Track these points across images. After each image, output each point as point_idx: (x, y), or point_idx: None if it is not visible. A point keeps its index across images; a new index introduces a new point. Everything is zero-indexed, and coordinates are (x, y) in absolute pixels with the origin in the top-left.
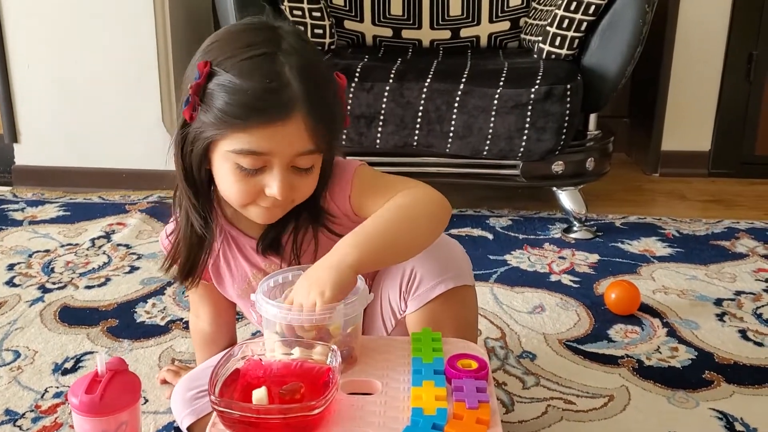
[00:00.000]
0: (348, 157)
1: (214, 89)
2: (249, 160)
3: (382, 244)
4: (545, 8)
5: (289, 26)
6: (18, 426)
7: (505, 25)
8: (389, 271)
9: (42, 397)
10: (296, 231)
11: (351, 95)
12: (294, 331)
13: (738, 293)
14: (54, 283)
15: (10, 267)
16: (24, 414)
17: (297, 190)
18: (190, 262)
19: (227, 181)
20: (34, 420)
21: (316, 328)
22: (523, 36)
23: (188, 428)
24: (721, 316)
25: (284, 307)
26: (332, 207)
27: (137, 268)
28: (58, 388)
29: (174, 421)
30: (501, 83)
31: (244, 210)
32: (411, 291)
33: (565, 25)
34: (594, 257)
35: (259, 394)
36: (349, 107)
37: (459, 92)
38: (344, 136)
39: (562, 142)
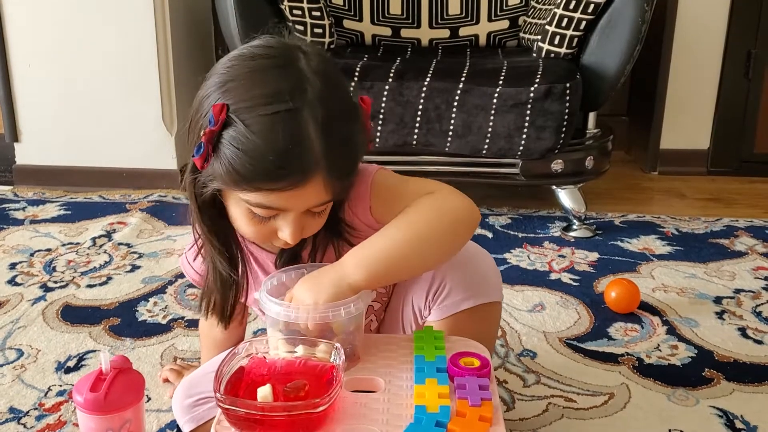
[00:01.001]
0: (367, 165)
1: (229, 142)
2: (262, 212)
3: (396, 264)
4: (544, 7)
5: (314, 54)
6: (22, 424)
7: (504, 24)
8: (415, 278)
9: (45, 395)
10: (314, 247)
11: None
12: (296, 329)
13: (737, 291)
14: (56, 282)
15: (12, 266)
16: (28, 412)
17: (311, 228)
18: (226, 303)
19: (241, 222)
20: (38, 418)
21: (319, 327)
22: (522, 35)
23: None
24: (720, 314)
25: (289, 306)
26: (354, 221)
27: (138, 267)
28: (61, 386)
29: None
30: (500, 82)
31: (263, 244)
32: (437, 300)
33: (564, 23)
34: (594, 255)
35: (264, 392)
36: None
37: (458, 91)
38: None
39: (561, 141)
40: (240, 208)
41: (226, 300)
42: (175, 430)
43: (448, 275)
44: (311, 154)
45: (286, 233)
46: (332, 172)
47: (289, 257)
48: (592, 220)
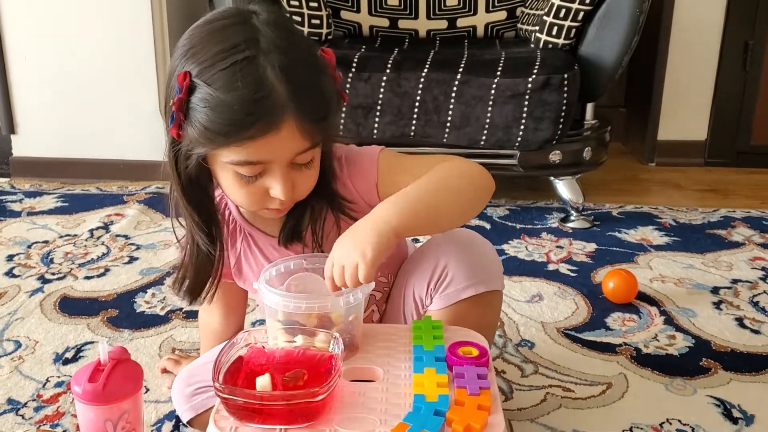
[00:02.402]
0: (371, 146)
1: (197, 104)
2: (247, 169)
3: (426, 212)
4: None
5: (265, 10)
6: (20, 415)
7: (502, 15)
8: (418, 263)
9: (44, 386)
10: (313, 219)
11: (348, 85)
12: (295, 319)
13: (734, 281)
14: (53, 274)
15: (10, 258)
16: (26, 403)
17: (301, 184)
18: (200, 280)
19: (232, 189)
20: (37, 409)
21: (318, 316)
22: (519, 26)
23: (188, 422)
24: (717, 304)
25: (288, 296)
26: (357, 198)
27: (136, 259)
28: (59, 377)
29: (175, 410)
30: (498, 73)
31: (258, 211)
32: (439, 288)
33: (562, 14)
34: (591, 246)
35: (263, 381)
36: (347, 97)
37: (456, 82)
38: (342, 126)
39: (559, 132)
40: (228, 174)
41: (203, 276)
42: (174, 420)
43: (450, 264)
44: (276, 97)
45: (276, 189)
46: (303, 114)
47: (289, 234)
48: (589, 211)
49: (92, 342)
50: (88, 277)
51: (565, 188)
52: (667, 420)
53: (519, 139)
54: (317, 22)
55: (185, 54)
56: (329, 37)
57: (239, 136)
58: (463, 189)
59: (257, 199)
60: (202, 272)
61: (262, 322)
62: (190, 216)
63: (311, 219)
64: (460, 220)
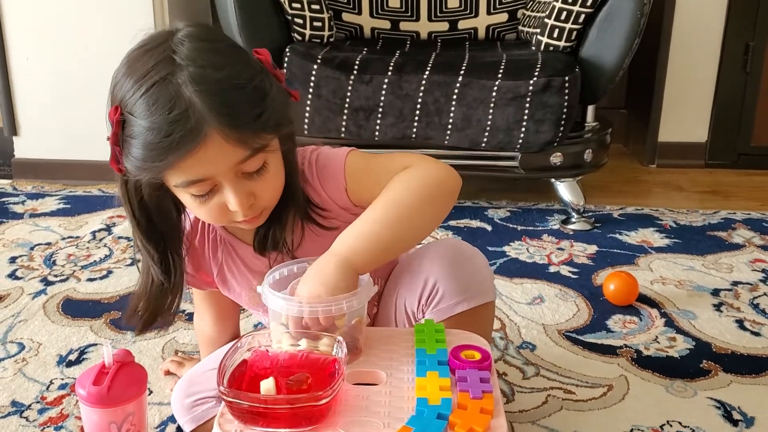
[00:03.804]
0: (336, 147)
1: (128, 137)
2: (195, 189)
3: (383, 246)
4: (543, 0)
5: (187, 26)
6: (24, 417)
7: (503, 17)
8: (407, 279)
9: (47, 388)
10: (282, 227)
11: (350, 87)
12: (301, 324)
13: (735, 283)
14: (56, 276)
15: (12, 260)
16: (30, 405)
17: (261, 192)
18: (151, 312)
19: (193, 209)
20: (41, 411)
21: (323, 320)
22: (521, 28)
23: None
24: (718, 307)
25: (293, 300)
26: (327, 203)
27: (139, 261)
28: (63, 379)
29: None
30: (499, 75)
31: (230, 225)
32: (431, 304)
33: (563, 17)
34: (592, 248)
35: (267, 385)
36: (347, 99)
37: (458, 84)
38: (343, 129)
39: (560, 134)
40: (184, 196)
41: (156, 308)
42: (176, 425)
43: (441, 280)
44: (193, 111)
45: (232, 202)
46: (227, 122)
47: (262, 242)
48: (590, 213)
49: (95, 344)
50: (90, 279)
51: (566, 190)
52: (668, 422)
53: (520, 141)
54: (319, 24)
55: (113, 91)
56: (331, 40)
57: (167, 161)
58: (424, 202)
59: (219, 214)
60: (154, 304)
61: (260, 324)
62: (147, 251)
63: (278, 226)
64: (425, 234)
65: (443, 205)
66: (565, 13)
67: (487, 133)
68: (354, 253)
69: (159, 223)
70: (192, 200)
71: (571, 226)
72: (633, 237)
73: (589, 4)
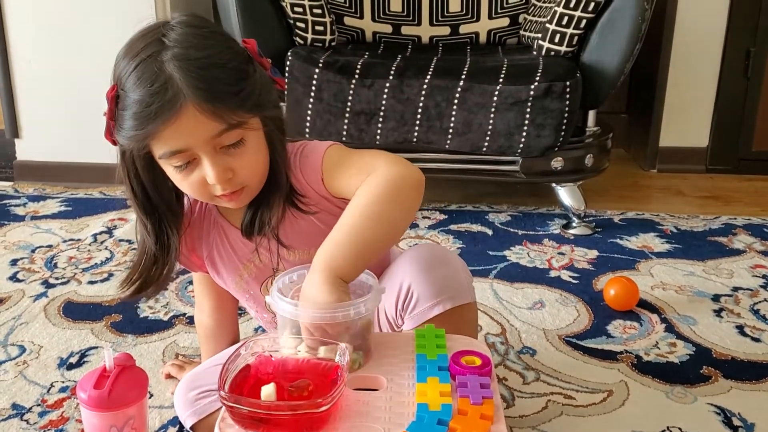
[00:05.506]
0: (323, 141)
1: (120, 110)
2: (175, 160)
3: (362, 251)
4: (545, 5)
5: (180, 15)
6: (25, 420)
7: (505, 22)
8: (387, 283)
9: (48, 391)
10: (268, 209)
11: (351, 91)
12: (323, 331)
13: (735, 289)
14: (57, 279)
15: (14, 262)
16: (31, 408)
17: (239, 168)
18: (143, 280)
19: (177, 182)
20: (41, 414)
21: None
22: (522, 33)
23: (191, 427)
24: (718, 312)
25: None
26: (308, 190)
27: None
28: (63, 382)
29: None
30: (501, 80)
31: (213, 201)
32: (407, 309)
33: (564, 22)
34: (593, 253)
35: (268, 390)
36: (349, 103)
37: (459, 89)
38: (345, 133)
39: (561, 139)
40: (169, 169)
41: (147, 275)
42: (177, 426)
43: (414, 284)
44: (172, 83)
45: (210, 175)
46: (203, 96)
47: (249, 225)
48: (591, 218)
49: (96, 347)
50: (91, 282)
51: (566, 195)
52: (668, 428)
53: (521, 145)
54: (321, 28)
55: (113, 68)
56: (332, 44)
57: (146, 129)
58: (392, 204)
59: (200, 188)
60: (146, 274)
61: (260, 328)
62: (140, 219)
63: (266, 209)
64: (400, 233)
65: (410, 200)
66: (566, 18)
67: (488, 138)
68: (337, 264)
69: (154, 197)
70: (175, 172)
71: (571, 231)
72: (633, 242)
73: (590, 9)
